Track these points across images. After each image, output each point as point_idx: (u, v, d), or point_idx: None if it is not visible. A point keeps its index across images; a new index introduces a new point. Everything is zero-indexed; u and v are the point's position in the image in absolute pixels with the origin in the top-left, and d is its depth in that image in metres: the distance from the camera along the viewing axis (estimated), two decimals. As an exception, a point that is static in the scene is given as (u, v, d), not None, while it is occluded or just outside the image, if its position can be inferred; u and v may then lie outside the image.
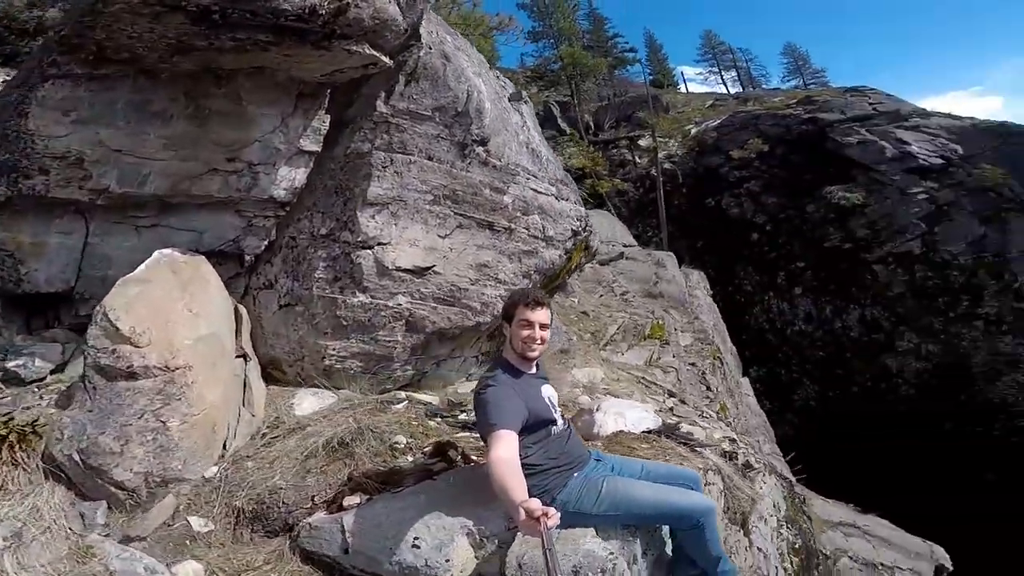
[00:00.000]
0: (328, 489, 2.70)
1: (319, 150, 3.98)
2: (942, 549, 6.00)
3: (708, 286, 12.73)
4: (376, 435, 2.93)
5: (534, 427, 2.21)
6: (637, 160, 19.81)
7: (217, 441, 2.97)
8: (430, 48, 4.13)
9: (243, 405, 3.38)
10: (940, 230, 13.10)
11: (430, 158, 4.06)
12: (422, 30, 4.17)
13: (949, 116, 16.16)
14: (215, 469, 2.85)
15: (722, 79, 37.91)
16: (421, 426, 3.21)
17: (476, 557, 2.14)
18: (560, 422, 2.38)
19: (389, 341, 3.88)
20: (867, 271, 13.78)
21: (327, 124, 3.97)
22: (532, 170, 4.54)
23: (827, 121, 16.49)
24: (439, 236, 4.08)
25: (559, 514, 1.76)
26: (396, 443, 2.95)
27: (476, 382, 2.70)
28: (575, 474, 2.29)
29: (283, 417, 3.41)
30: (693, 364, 8.10)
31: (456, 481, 2.54)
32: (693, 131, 20.00)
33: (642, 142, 20.06)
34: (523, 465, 2.01)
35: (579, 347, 6.42)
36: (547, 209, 4.53)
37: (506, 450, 1.95)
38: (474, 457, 2.77)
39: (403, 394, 3.77)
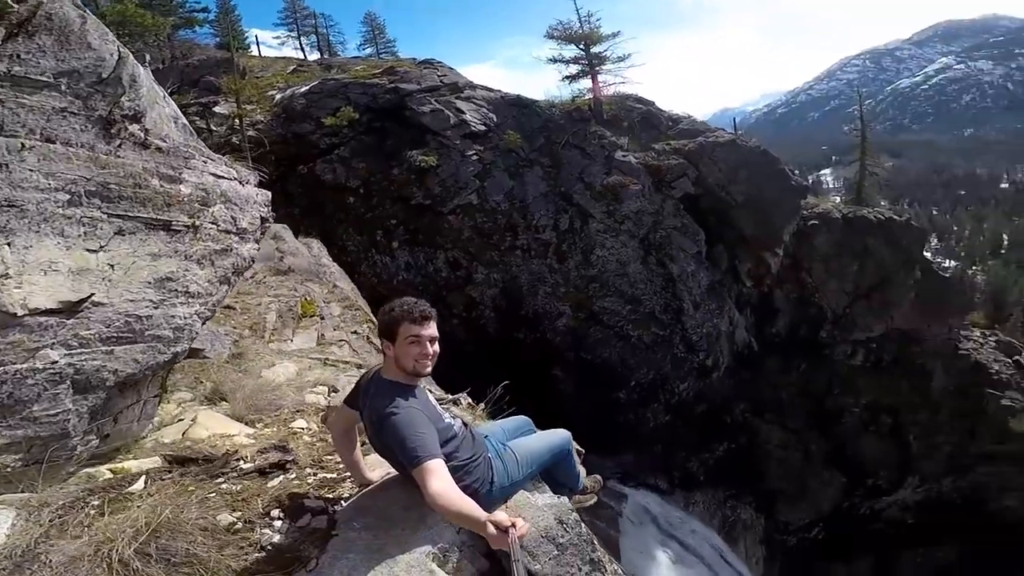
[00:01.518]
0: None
1: None
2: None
3: (327, 252, 12.81)
4: (177, 534, 2.04)
5: (447, 440, 2.25)
6: (214, 128, 17.39)
7: None
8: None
9: None
10: (488, 184, 16.84)
11: (52, 141, 2.76)
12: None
13: (487, 89, 19.89)
14: None
15: (301, 45, 36.07)
16: (217, 493, 2.54)
17: (448, 572, 2.14)
18: (456, 421, 2.43)
19: (55, 415, 2.64)
20: (444, 221, 16.51)
21: None
22: (202, 150, 3.67)
23: (407, 91, 18.27)
24: (89, 251, 2.92)
25: (528, 524, 1.86)
26: (226, 525, 2.28)
27: (170, 424, 2.96)
28: (489, 456, 2.47)
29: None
30: (355, 332, 8.32)
31: (362, 523, 2.28)
32: (278, 97, 18.83)
33: (219, 109, 17.67)
34: (455, 471, 2.11)
35: (249, 346, 5.90)
36: (232, 196, 3.82)
37: (441, 480, 1.93)
38: (334, 493, 2.65)
39: (104, 469, 2.82)
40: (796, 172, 22.10)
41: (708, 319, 16.24)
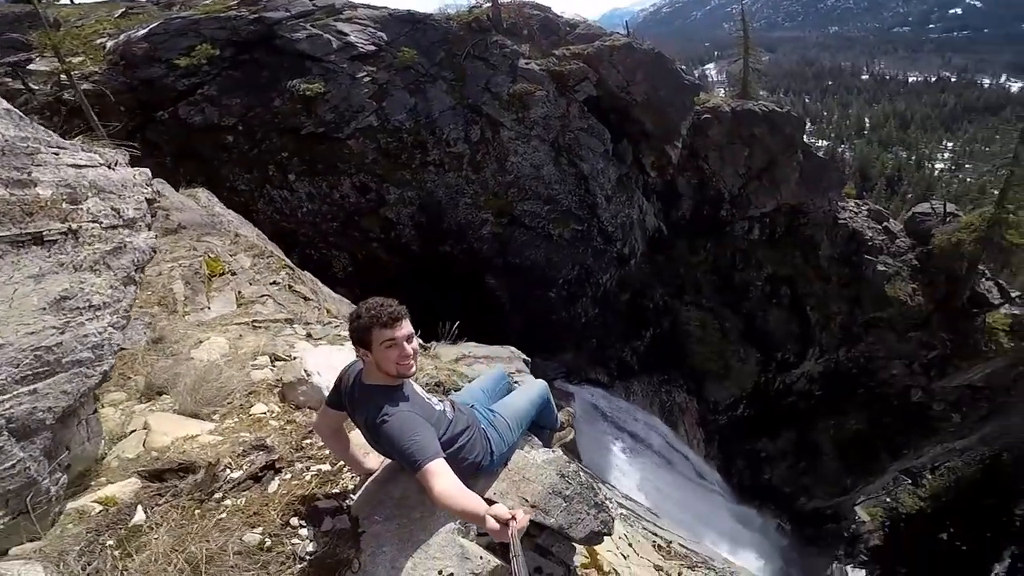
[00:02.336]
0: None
1: None
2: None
3: (218, 200, 11.49)
4: (221, 567, 2.09)
5: (445, 429, 2.28)
6: (34, 87, 14.77)
7: None
8: None
9: None
10: (387, 104, 15.71)
11: None
12: None
13: (370, 7, 18.20)
14: None
15: (124, -15, 30.19)
16: (226, 512, 2.46)
17: (472, 540, 2.24)
18: (444, 404, 2.43)
19: (12, 467, 2.32)
20: (343, 147, 15.37)
21: None
22: (50, 139, 2.98)
23: (274, 20, 16.23)
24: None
25: (527, 516, 1.91)
26: (256, 544, 2.26)
27: (124, 438, 2.82)
28: (482, 428, 2.52)
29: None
30: (274, 283, 7.70)
31: (382, 515, 2.32)
32: (110, 44, 16.09)
33: (35, 66, 14.94)
34: (457, 454, 2.26)
35: (166, 327, 5.09)
36: (104, 185, 3.10)
37: (443, 480, 1.95)
38: (338, 487, 2.67)
39: (90, 502, 2.55)
40: (684, 68, 23.20)
41: (620, 210, 17.09)
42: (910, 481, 27.84)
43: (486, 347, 7.74)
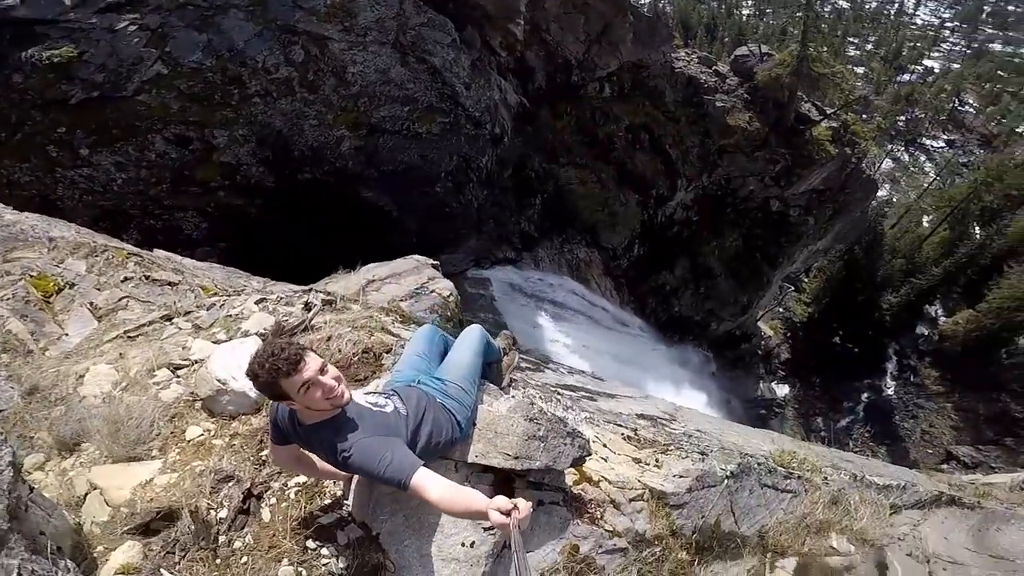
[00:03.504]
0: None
1: None
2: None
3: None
4: None
5: (406, 426, 2.13)
6: None
7: None
8: None
9: None
10: (170, 48, 12.79)
11: None
12: None
13: None
14: None
15: None
16: (247, 556, 2.35)
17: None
18: (391, 400, 2.24)
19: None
20: (135, 104, 12.51)
21: None
22: None
23: None
24: None
25: (529, 504, 1.84)
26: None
27: (78, 505, 2.46)
28: (439, 401, 2.34)
29: None
30: (126, 279, 6.93)
31: (387, 512, 2.40)
32: None
33: None
34: (428, 443, 2.16)
35: (32, 374, 3.83)
36: None
37: (435, 487, 1.89)
38: (328, 498, 2.59)
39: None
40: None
41: (482, 94, 16.32)
42: (793, 288, 31.52)
43: (388, 264, 7.32)
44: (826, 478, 4.37)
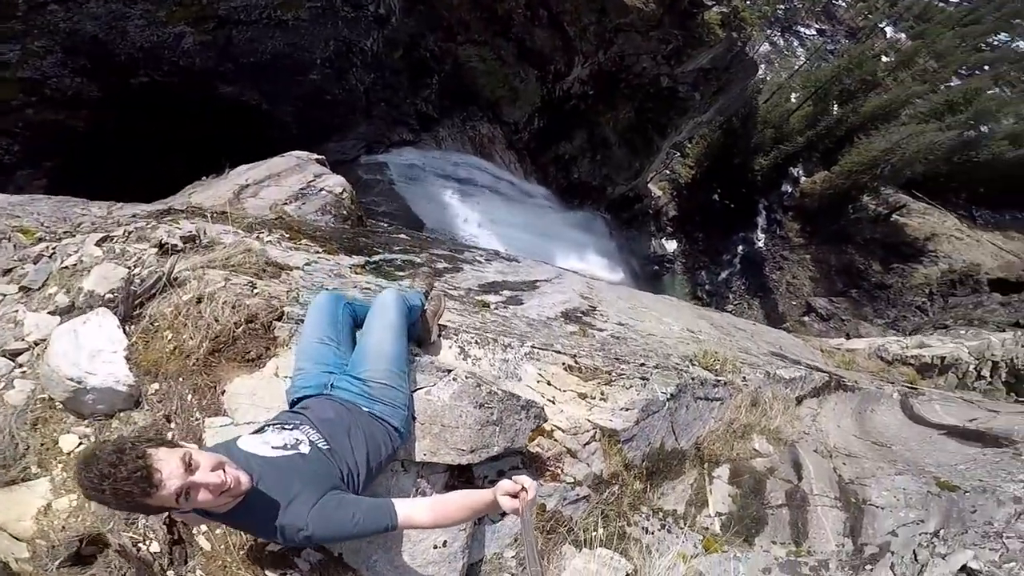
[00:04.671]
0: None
1: None
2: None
3: None
4: None
5: (339, 469, 1.71)
6: None
7: None
8: None
9: None
10: None
11: None
12: None
13: None
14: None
15: None
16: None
17: None
18: (302, 433, 1.72)
19: None
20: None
21: None
22: None
23: None
24: None
25: (535, 484, 1.62)
26: None
27: None
28: (366, 411, 1.91)
29: None
30: None
31: None
32: None
33: None
34: (372, 469, 1.79)
35: None
36: None
37: (420, 512, 1.61)
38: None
39: None
40: None
41: None
42: (678, 153, 33.64)
43: (263, 164, 6.17)
44: (744, 378, 4.42)
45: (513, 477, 1.58)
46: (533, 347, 3.15)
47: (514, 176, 22.09)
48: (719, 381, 4.09)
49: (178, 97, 11.93)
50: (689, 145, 32.60)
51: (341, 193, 6.23)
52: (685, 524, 3.25)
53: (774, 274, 30.77)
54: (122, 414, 2.31)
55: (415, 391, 2.22)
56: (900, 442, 5.25)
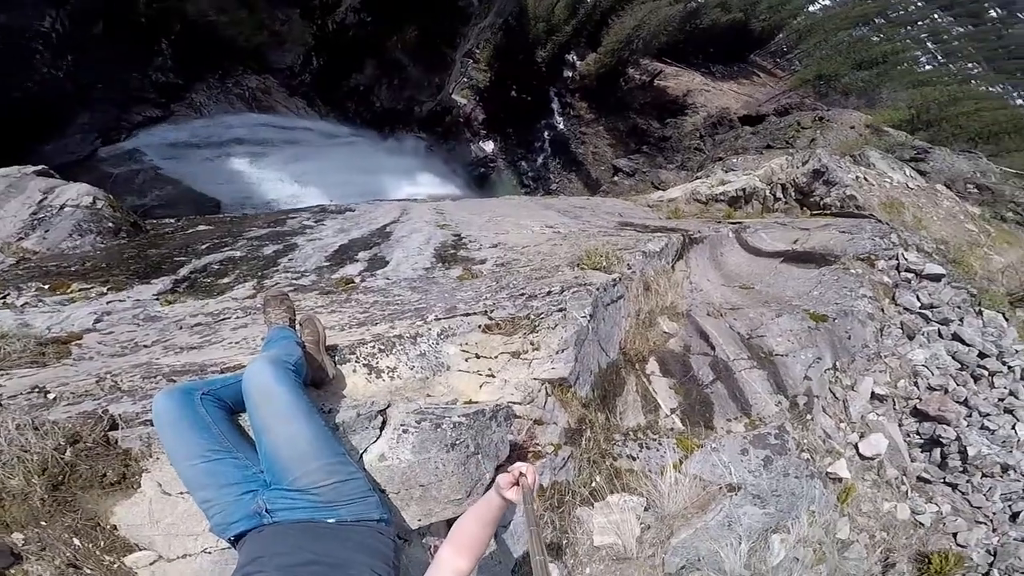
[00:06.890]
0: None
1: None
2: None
3: None
4: None
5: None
6: None
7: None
8: None
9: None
10: None
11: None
12: None
13: None
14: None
15: None
16: None
17: None
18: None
19: None
20: None
21: None
22: None
23: None
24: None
25: (533, 467, 1.45)
26: None
27: None
28: (333, 523, 1.44)
29: None
30: None
31: None
32: None
33: None
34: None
35: None
36: None
37: (455, 562, 1.33)
38: None
39: None
40: None
41: None
42: (472, 60, 33.09)
43: None
44: (629, 265, 4.00)
45: (508, 468, 1.43)
46: (439, 319, 2.70)
47: (310, 121, 19.49)
48: (615, 280, 3.59)
49: None
50: (478, 51, 32.14)
51: (93, 202, 4.84)
52: (655, 434, 3.06)
53: (579, 148, 32.36)
54: (11, 570, 1.54)
55: (361, 455, 1.77)
56: (757, 279, 5.18)
